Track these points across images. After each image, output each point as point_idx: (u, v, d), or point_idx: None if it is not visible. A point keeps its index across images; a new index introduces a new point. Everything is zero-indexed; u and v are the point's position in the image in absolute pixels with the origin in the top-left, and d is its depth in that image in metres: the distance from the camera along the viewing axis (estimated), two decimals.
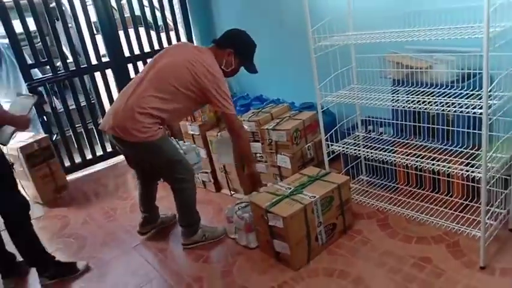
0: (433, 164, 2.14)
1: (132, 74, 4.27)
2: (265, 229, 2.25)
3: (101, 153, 4.28)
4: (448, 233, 2.27)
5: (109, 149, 4.29)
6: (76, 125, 4.10)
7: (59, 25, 3.94)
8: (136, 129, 2.22)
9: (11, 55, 4.21)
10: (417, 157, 2.26)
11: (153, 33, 4.36)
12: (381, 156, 2.39)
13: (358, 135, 2.70)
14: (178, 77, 2.26)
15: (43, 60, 3.84)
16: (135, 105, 2.23)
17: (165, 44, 4.44)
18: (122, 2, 4.26)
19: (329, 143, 2.58)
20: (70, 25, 4.07)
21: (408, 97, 2.18)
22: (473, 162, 2.05)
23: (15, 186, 2.37)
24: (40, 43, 3.81)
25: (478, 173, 1.92)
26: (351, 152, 2.54)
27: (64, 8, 3.96)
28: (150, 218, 2.77)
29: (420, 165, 2.20)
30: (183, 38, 4.59)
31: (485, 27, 1.59)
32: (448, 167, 2.08)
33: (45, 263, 2.47)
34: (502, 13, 1.76)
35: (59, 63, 3.96)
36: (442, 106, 1.99)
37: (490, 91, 1.78)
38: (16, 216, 2.34)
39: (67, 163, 4.08)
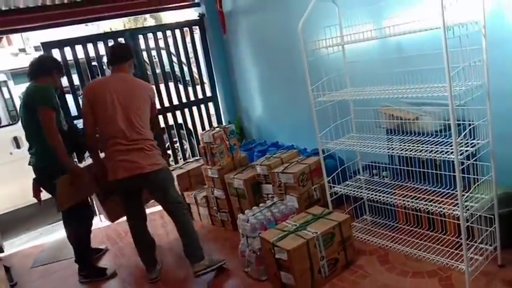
0: (425, 205, 2.39)
1: (162, 123, 4.76)
2: (273, 262, 2.53)
3: None
4: (441, 268, 2.47)
5: None
6: None
7: None
8: (158, 159, 2.79)
9: None
10: (413, 198, 2.51)
11: (181, 87, 4.89)
12: (379, 197, 2.66)
13: (360, 179, 2.98)
14: (142, 103, 2.80)
15: None
16: (141, 141, 2.72)
17: (192, 97, 4.94)
18: (154, 59, 4.84)
19: (332, 185, 2.87)
20: None
21: (401, 145, 2.49)
22: (457, 202, 2.29)
23: None
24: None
25: (458, 211, 2.16)
26: (351, 193, 2.82)
27: (103, 65, 4.55)
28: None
29: (415, 206, 2.45)
30: (208, 91, 5.10)
31: (448, 87, 1.92)
32: (435, 206, 2.32)
33: (85, 263, 3.16)
34: (470, 73, 2.08)
35: None
36: (426, 152, 2.28)
37: (462, 139, 2.07)
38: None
39: None
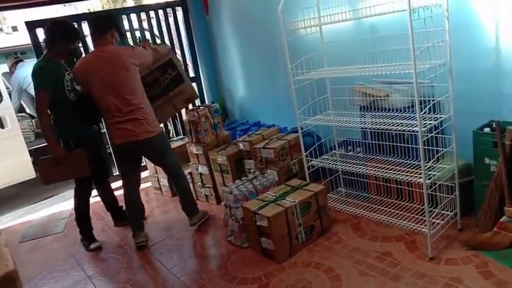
0: (392, 173, 2.61)
1: None
2: (254, 229, 2.72)
3: (117, 172, 4.79)
4: (408, 233, 2.71)
5: None
6: None
7: None
8: (156, 125, 3.03)
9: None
10: (383, 169, 2.73)
11: None
12: (352, 168, 2.87)
13: (335, 153, 3.19)
14: (128, 73, 2.91)
15: None
16: (135, 111, 2.89)
17: None
18: (138, 40, 4.89)
19: (309, 158, 3.07)
20: None
21: (372, 120, 2.69)
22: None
23: None
24: None
25: (422, 179, 2.38)
26: (327, 166, 3.02)
27: (87, 45, 4.58)
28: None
29: (386, 176, 2.66)
30: (191, 73, 5.20)
31: (413, 65, 2.11)
32: (401, 175, 2.54)
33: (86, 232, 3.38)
34: (434, 53, 2.28)
35: None
36: (396, 126, 2.49)
37: (426, 114, 2.28)
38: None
39: None
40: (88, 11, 7.94)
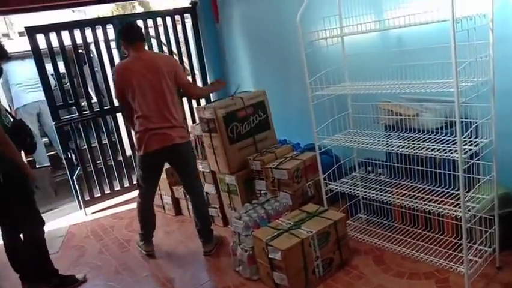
0: (423, 204, 2.31)
1: None
2: (266, 261, 2.43)
3: (119, 188, 4.54)
4: (438, 270, 2.40)
5: (126, 184, 4.56)
6: (97, 161, 4.41)
7: (86, 69, 4.36)
8: (186, 133, 2.98)
9: None
10: (410, 197, 2.43)
11: None
12: (376, 196, 2.58)
13: (356, 176, 2.90)
14: (167, 81, 2.88)
15: (70, 101, 4.21)
16: (171, 118, 2.84)
17: None
18: None
19: (327, 182, 2.78)
20: (96, 69, 4.47)
21: (399, 142, 2.40)
22: (457, 202, 2.22)
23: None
24: (68, 84, 4.21)
25: (459, 212, 2.08)
26: (347, 191, 2.73)
27: (91, 53, 4.35)
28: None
29: (413, 205, 2.37)
30: (199, 82, 4.95)
31: (455, 82, 1.83)
32: (434, 206, 2.25)
33: (50, 275, 2.81)
34: (476, 69, 2.00)
35: (84, 103, 4.33)
36: (427, 150, 2.20)
37: (465, 138, 1.99)
38: (36, 232, 2.68)
39: (87, 197, 4.35)
40: (97, 17, 7.75)
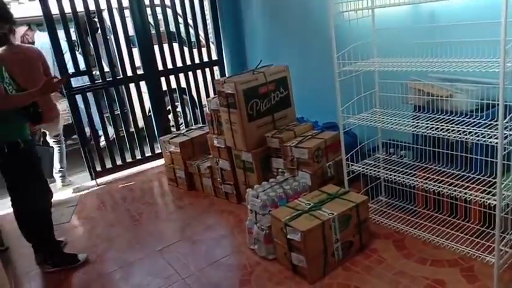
0: (450, 190, 2.20)
1: (164, 86, 4.50)
2: (284, 242, 2.36)
3: (130, 159, 4.48)
4: (463, 258, 2.32)
5: (138, 155, 4.49)
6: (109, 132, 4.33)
7: (98, 37, 4.22)
8: None
9: None
10: (436, 182, 2.33)
11: (186, 49, 4.59)
12: (400, 178, 2.47)
13: (378, 157, 2.78)
14: None
15: (83, 69, 4.10)
16: None
17: (197, 60, 4.66)
18: (158, 18, 4.50)
19: (349, 163, 2.68)
20: (108, 37, 4.33)
21: (428, 123, 2.27)
22: (489, 189, 2.11)
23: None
24: (81, 52, 4.09)
25: (494, 200, 1.98)
26: (370, 173, 2.63)
27: (104, 21, 4.21)
28: None
29: (438, 190, 2.27)
30: (214, 55, 4.80)
31: (502, 62, 1.69)
32: (465, 193, 2.14)
33: (51, 252, 2.74)
34: None
35: (95, 72, 4.21)
36: (461, 134, 2.07)
37: (506, 122, 1.86)
38: (40, 202, 2.63)
39: (98, 167, 4.29)
40: None
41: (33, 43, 4.80)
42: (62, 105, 4.38)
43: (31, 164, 2.59)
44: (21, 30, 4.92)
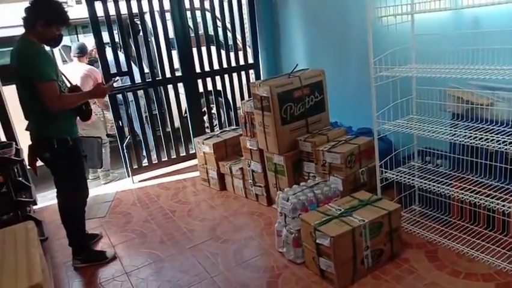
0: (488, 201, 2.13)
1: (201, 88, 4.60)
2: (312, 246, 2.35)
3: (166, 158, 4.60)
4: (499, 273, 2.23)
5: (173, 155, 4.60)
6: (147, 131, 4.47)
7: (140, 39, 4.37)
8: None
9: None
10: (473, 192, 2.26)
11: (223, 52, 4.67)
12: (435, 188, 2.41)
13: (414, 165, 2.73)
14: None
15: (124, 70, 4.25)
16: None
17: (233, 63, 4.73)
18: (198, 21, 4.61)
19: (383, 169, 2.64)
20: (149, 40, 4.47)
21: (467, 132, 2.21)
22: None
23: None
24: (123, 53, 4.25)
25: None
26: (404, 181, 2.57)
27: (146, 24, 4.35)
28: None
29: (475, 201, 2.20)
30: (250, 58, 4.85)
31: None
32: (503, 205, 2.06)
33: (82, 248, 2.85)
34: None
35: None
36: (501, 144, 2.01)
37: None
38: (78, 199, 2.77)
39: (135, 165, 4.43)
40: None
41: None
42: (110, 114, 4.56)
43: (76, 161, 2.72)
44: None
